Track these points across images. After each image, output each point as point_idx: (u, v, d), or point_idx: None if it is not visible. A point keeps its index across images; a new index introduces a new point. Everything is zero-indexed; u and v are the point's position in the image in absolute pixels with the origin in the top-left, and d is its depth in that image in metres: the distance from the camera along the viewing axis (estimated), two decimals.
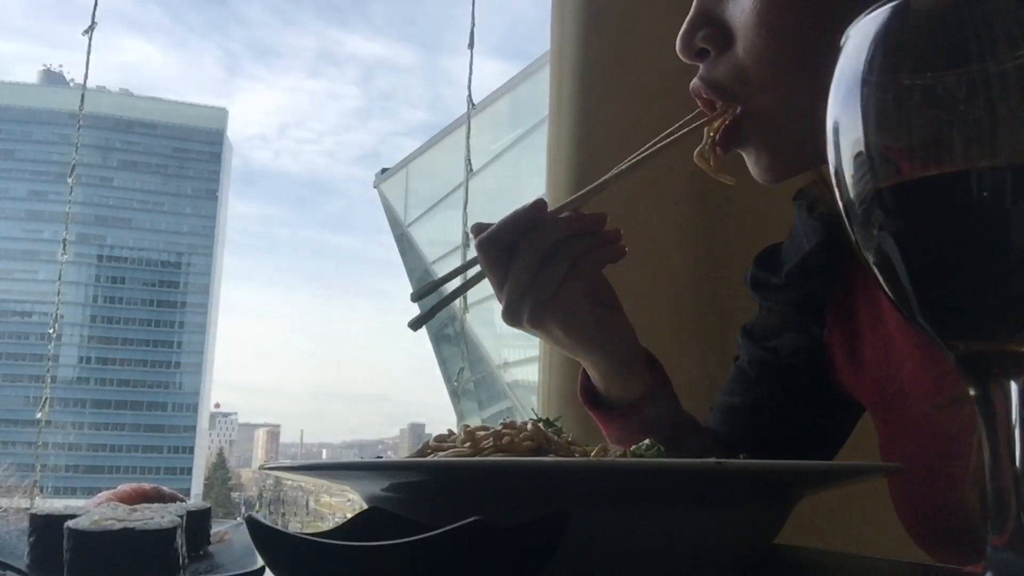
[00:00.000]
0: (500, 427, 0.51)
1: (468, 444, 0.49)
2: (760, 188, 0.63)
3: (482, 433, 0.50)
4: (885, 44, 0.26)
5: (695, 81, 0.62)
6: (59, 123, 61.44)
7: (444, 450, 0.50)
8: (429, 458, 0.48)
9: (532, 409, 1.00)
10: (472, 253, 0.68)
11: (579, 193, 0.68)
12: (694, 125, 0.64)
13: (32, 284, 61.43)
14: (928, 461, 0.59)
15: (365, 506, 0.44)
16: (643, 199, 1.24)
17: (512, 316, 0.66)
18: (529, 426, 0.51)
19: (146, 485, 0.54)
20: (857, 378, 0.68)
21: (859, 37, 0.27)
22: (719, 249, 1.22)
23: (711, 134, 0.63)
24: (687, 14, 0.61)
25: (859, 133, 0.26)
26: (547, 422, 0.54)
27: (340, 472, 0.48)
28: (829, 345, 0.70)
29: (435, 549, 0.33)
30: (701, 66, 0.62)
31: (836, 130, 0.28)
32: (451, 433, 0.53)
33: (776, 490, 0.47)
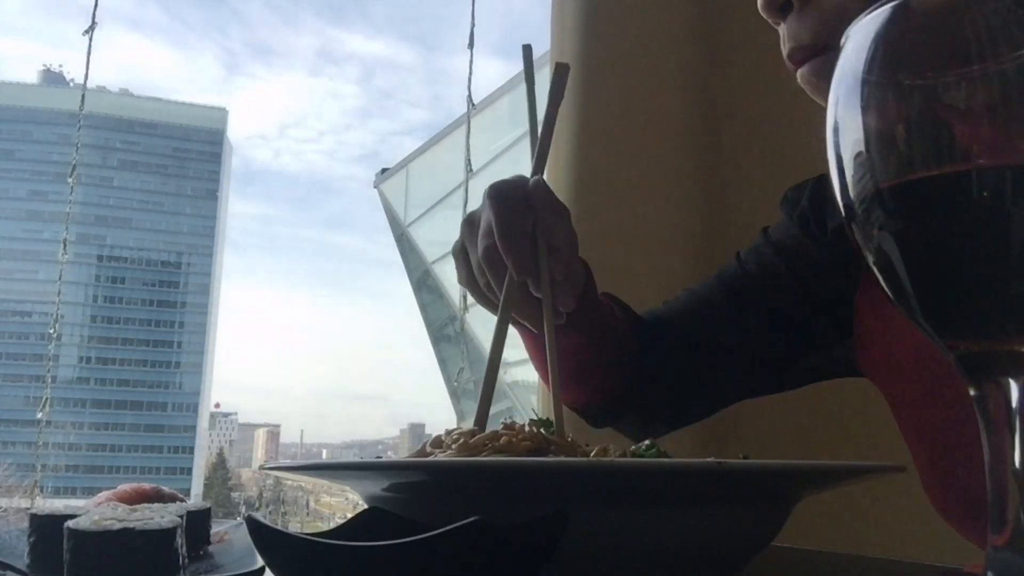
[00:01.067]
0: (500, 428, 0.51)
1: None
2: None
3: (481, 434, 0.50)
4: (885, 44, 0.26)
5: (789, 50, 0.60)
6: (59, 123, 61.43)
7: (443, 450, 0.50)
8: (429, 458, 0.48)
9: (532, 409, 1.00)
10: None
11: None
12: None
13: (32, 284, 61.41)
14: (969, 437, 0.58)
15: (365, 506, 0.44)
16: (644, 198, 1.24)
17: None
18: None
19: (146, 485, 0.54)
20: (890, 359, 0.66)
21: (859, 37, 0.27)
22: (719, 249, 1.22)
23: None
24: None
25: (859, 133, 0.26)
26: (546, 422, 0.54)
27: (340, 472, 0.48)
28: (859, 324, 0.69)
29: (435, 549, 0.33)
30: (783, 25, 0.61)
31: (836, 130, 0.28)
32: (450, 433, 0.52)
33: (776, 490, 0.47)
